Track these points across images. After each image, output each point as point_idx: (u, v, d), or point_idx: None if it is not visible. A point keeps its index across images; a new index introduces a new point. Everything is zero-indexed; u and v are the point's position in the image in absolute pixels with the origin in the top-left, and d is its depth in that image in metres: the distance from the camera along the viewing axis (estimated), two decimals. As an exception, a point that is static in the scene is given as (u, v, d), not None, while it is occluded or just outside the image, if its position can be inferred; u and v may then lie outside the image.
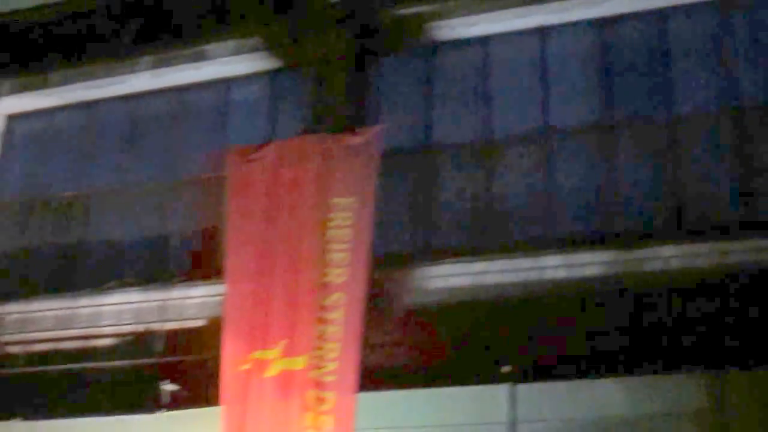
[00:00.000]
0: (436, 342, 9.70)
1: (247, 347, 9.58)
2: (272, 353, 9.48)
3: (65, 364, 11.21)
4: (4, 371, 11.47)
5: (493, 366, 9.00)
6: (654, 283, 9.54)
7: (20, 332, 11.66)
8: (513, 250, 10.18)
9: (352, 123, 10.87)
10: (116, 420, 10.13)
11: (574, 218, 10.39)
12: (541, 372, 8.96)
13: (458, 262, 10.22)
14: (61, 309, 11.58)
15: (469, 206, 10.75)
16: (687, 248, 9.67)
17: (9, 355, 11.67)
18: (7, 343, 11.79)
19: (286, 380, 9.34)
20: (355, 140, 10.16)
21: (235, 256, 10.08)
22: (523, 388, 8.91)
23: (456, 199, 10.84)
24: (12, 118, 13.53)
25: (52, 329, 11.53)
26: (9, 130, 13.49)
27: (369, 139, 10.12)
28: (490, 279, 9.98)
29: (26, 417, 10.53)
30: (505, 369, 8.92)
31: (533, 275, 9.92)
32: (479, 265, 10.10)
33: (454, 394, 9.07)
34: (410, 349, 9.79)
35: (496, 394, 8.93)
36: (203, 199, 11.88)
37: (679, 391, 8.66)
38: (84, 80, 12.97)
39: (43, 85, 13.21)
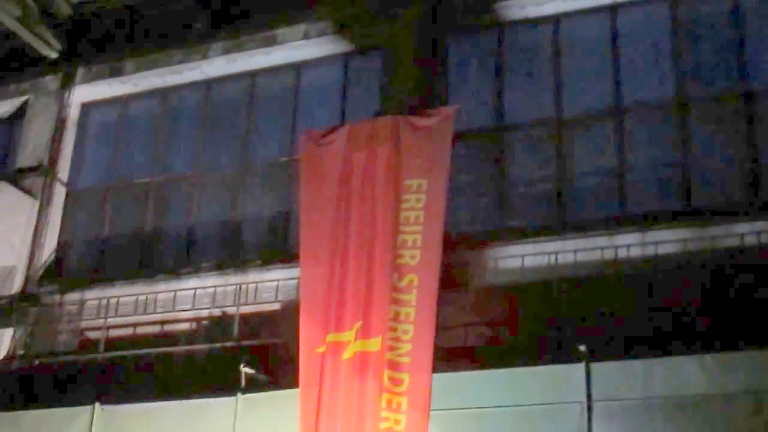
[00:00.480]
0: (510, 322, 9.69)
1: (322, 330, 9.64)
2: (347, 335, 9.53)
3: (144, 348, 11.40)
4: (85, 357, 11.69)
5: (569, 345, 8.92)
6: (730, 259, 9.41)
7: (100, 318, 11.88)
8: (587, 229, 10.12)
9: (424, 104, 10.90)
10: (195, 403, 10.23)
11: (649, 196, 10.30)
12: (616, 350, 8.86)
13: (532, 241, 10.20)
14: (139, 294, 11.79)
15: (543, 185, 10.72)
16: (763, 224, 9.52)
17: (89, 341, 11.91)
18: (86, 329, 12.03)
19: (361, 362, 9.39)
20: (427, 121, 10.13)
21: (309, 239, 10.15)
22: (598, 367, 8.80)
23: (529, 179, 10.82)
24: (86, 107, 13.76)
25: (130, 314, 11.75)
26: (83, 119, 13.72)
27: (441, 120, 10.08)
28: (565, 258, 9.95)
29: (106, 401, 10.65)
30: (581, 348, 8.84)
31: (608, 254, 9.86)
32: (553, 245, 10.07)
33: (529, 374, 9.00)
34: (485, 330, 9.79)
35: (572, 373, 8.83)
36: (277, 183, 12.01)
37: (758, 368, 8.50)
38: (157, 67, 13.19)
39: (117, 73, 13.43)
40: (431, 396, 9.00)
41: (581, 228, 10.16)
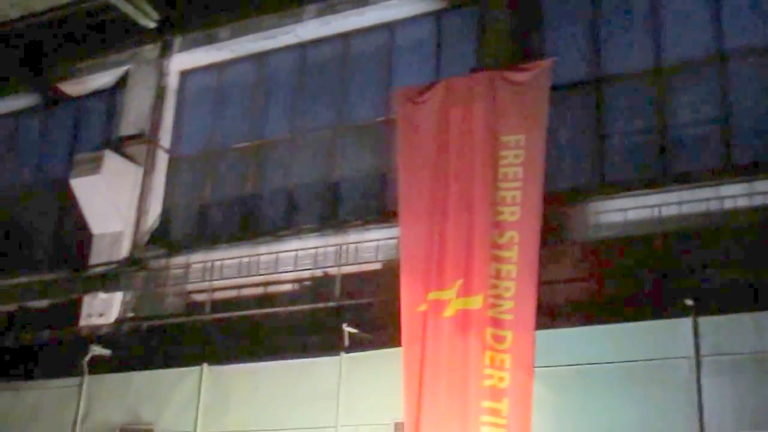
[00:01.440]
0: (614, 277, 9.55)
1: (423, 288, 9.65)
2: (449, 293, 9.53)
3: (248, 310, 11.59)
4: (192, 318, 11.95)
5: (675, 299, 8.76)
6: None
7: (205, 281, 12.10)
8: (691, 180, 9.85)
9: (519, 58, 10.75)
10: (299, 363, 10.37)
11: (755, 144, 9.96)
12: (725, 304, 8.65)
13: (634, 194, 9.98)
14: (242, 257, 11.94)
15: (644, 137, 10.48)
16: None
17: (195, 303, 12.16)
18: (192, 292, 12.27)
19: (463, 320, 9.38)
20: (523, 76, 9.99)
21: (407, 197, 10.14)
22: (706, 321, 8.63)
23: (630, 130, 10.58)
24: (185, 74, 13.96)
25: (234, 277, 11.93)
26: (182, 86, 13.93)
27: (537, 74, 9.93)
28: (669, 211, 9.72)
29: (213, 362, 10.86)
30: (687, 302, 8.66)
31: (713, 205, 9.60)
32: (657, 197, 9.84)
33: (635, 329, 8.86)
34: (588, 285, 9.66)
35: (679, 327, 8.67)
36: (373, 143, 12.02)
37: None
38: (252, 32, 13.24)
39: (213, 39, 13.56)
40: (535, 353, 8.96)
41: (685, 179, 9.89)
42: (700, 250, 9.29)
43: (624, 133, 10.60)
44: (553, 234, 9.87)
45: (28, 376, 11.84)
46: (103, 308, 12.48)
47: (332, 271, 11.25)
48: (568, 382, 8.94)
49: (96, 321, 12.41)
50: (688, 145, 10.28)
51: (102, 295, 12.51)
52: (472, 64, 11.26)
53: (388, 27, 12.48)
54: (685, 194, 9.73)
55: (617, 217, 9.96)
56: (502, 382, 9.04)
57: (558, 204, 10.10)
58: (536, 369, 8.92)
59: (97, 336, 12.04)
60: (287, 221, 12.21)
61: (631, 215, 9.88)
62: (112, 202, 12.93)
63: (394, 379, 9.46)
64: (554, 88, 10.08)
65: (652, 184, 10.04)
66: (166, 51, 13.93)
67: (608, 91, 10.82)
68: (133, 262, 12.75)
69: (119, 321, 12.38)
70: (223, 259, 12.05)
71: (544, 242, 9.37)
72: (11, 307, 13.49)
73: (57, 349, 12.20)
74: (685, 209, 9.66)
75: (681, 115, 10.40)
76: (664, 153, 10.29)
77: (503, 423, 8.92)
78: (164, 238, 13.02)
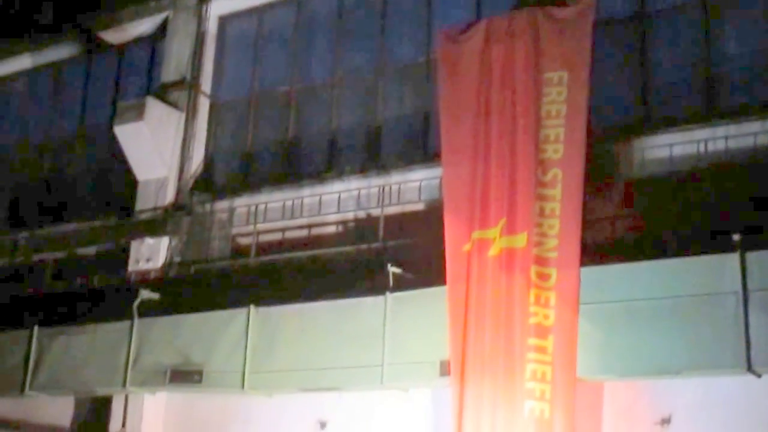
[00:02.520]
0: (660, 213, 9.47)
1: (467, 227, 9.66)
2: (493, 232, 9.52)
3: (293, 252, 11.68)
4: (238, 261, 12.07)
5: (721, 235, 8.66)
6: None
7: (249, 224, 12.20)
8: (738, 114, 9.70)
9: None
10: (345, 303, 10.43)
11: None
12: (772, 239, 8.59)
13: (680, 129, 9.86)
14: (286, 200, 12.01)
15: (689, 71, 10.31)
16: None
17: (241, 247, 12.26)
18: (238, 235, 12.37)
19: (508, 258, 9.39)
20: (566, 12, 9.85)
21: (450, 137, 10.10)
22: (753, 256, 8.51)
23: (674, 65, 10.42)
24: (224, 20, 13.91)
25: (279, 220, 12.00)
26: (222, 32, 13.89)
27: (580, 9, 9.78)
28: (715, 146, 9.61)
29: (259, 304, 10.97)
30: (734, 237, 8.56)
31: (762, 140, 9.45)
32: (703, 132, 9.72)
33: (682, 265, 8.78)
34: (633, 222, 9.61)
35: (726, 263, 8.56)
36: (415, 84, 11.95)
37: None
38: (291, -25, 13.21)
39: (252, -17, 13.53)
40: (580, 290, 8.95)
41: (732, 114, 9.75)
42: (748, 184, 9.17)
43: (669, 68, 10.45)
44: (598, 171, 9.77)
45: (80, 320, 12.02)
46: (150, 253, 12.64)
47: (375, 212, 11.28)
48: (614, 318, 8.91)
49: (144, 266, 12.58)
50: (734, 78, 10.11)
51: (149, 241, 12.66)
52: (513, 1, 11.12)
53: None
54: (732, 128, 9.60)
55: (663, 153, 9.85)
56: (547, 319, 9.07)
57: (603, 141, 10.02)
58: (582, 306, 8.92)
59: (145, 280, 12.20)
60: (330, 163, 12.24)
61: (677, 150, 9.77)
62: (156, 148, 13.04)
63: (439, 318, 9.51)
64: (598, 22, 9.93)
65: (697, 118, 9.92)
66: (204, -3, 13.91)
67: (653, 25, 10.65)
68: (179, 207, 12.87)
69: (166, 265, 12.53)
70: (267, 202, 12.14)
71: (588, 179, 9.29)
72: (61, 254, 13.71)
73: (107, 294, 12.38)
74: (732, 144, 9.54)
75: (727, 49, 10.23)
76: (711, 87, 10.14)
77: (549, 360, 8.96)
78: (208, 183, 13.12)
